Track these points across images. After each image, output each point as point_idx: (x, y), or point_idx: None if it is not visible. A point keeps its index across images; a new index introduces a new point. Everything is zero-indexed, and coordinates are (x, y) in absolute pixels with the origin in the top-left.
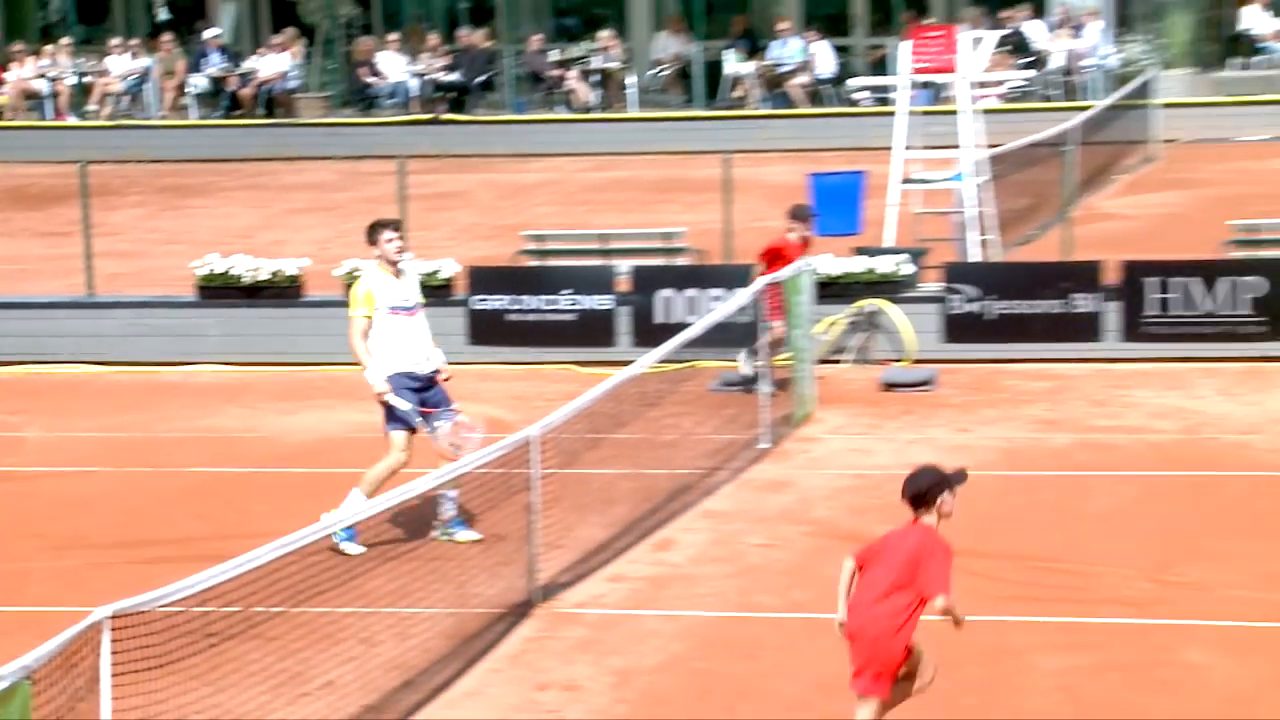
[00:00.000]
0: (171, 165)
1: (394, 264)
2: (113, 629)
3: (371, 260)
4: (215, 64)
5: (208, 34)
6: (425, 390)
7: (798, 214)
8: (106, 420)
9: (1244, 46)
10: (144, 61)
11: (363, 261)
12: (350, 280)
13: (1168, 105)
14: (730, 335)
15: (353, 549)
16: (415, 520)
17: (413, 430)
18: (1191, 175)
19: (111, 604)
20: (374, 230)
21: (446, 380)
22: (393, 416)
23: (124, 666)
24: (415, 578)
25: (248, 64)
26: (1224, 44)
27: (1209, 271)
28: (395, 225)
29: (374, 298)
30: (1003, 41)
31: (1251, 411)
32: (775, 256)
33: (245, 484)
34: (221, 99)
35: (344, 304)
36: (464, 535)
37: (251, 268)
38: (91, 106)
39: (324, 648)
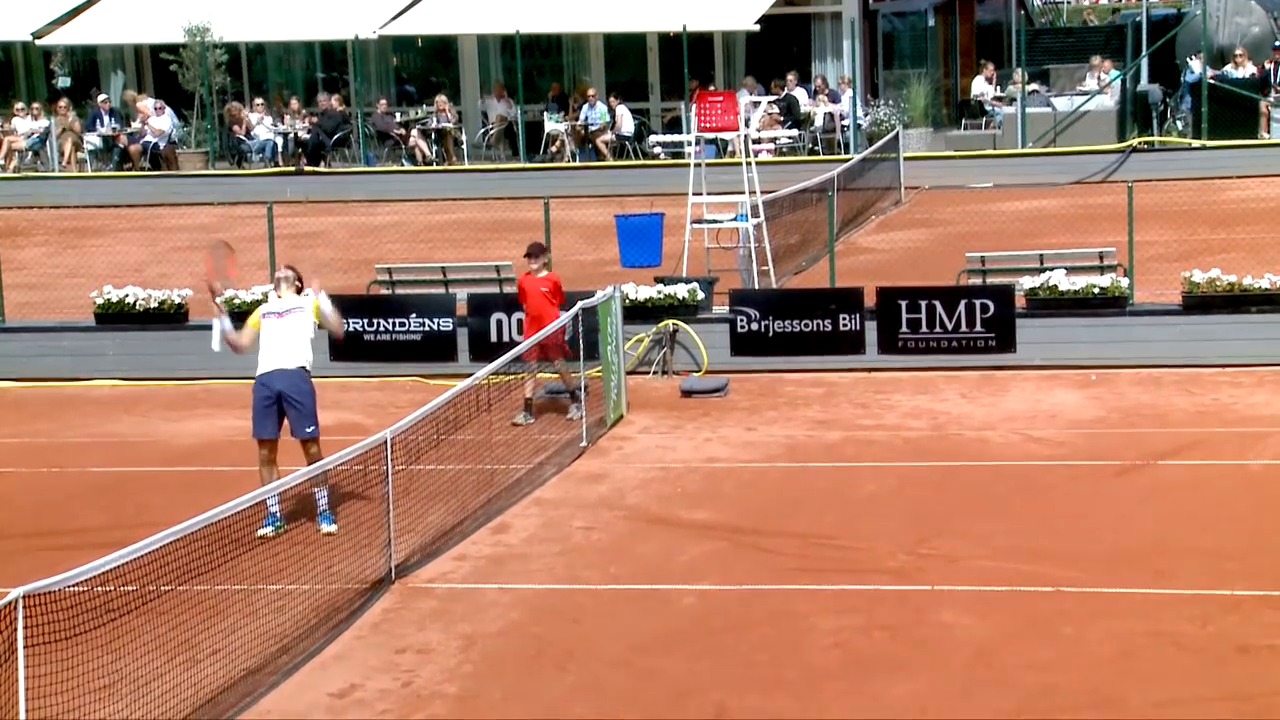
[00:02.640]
0: (71, 210)
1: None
2: (25, 607)
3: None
4: (107, 124)
5: (100, 99)
6: (284, 397)
7: (530, 252)
8: (17, 429)
9: (972, 109)
10: (44, 122)
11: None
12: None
13: (911, 158)
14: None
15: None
16: (291, 509)
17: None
18: (932, 216)
19: (24, 585)
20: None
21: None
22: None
23: (36, 639)
24: (289, 559)
25: (135, 125)
26: (956, 108)
27: (950, 296)
28: (290, 269)
29: (258, 309)
30: (774, 105)
31: (988, 411)
32: (522, 293)
33: (140, 481)
34: (114, 154)
35: None
36: (327, 528)
37: (143, 297)
38: None
39: (211, 621)
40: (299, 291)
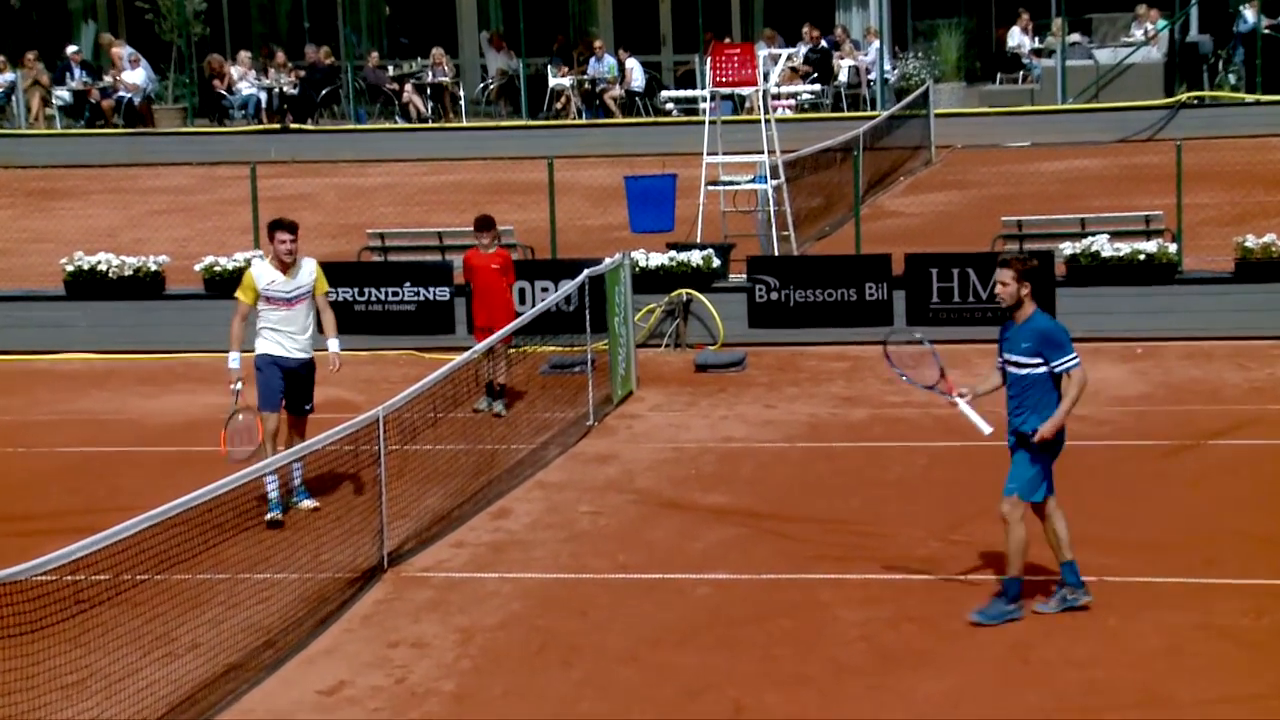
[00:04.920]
0: (39, 170)
1: (283, 261)
2: None
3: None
4: (78, 78)
5: (70, 50)
6: (295, 378)
7: (479, 225)
8: None
9: (1008, 62)
10: (9, 75)
11: (251, 254)
12: (209, 274)
13: (942, 115)
14: (557, 323)
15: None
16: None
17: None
18: (965, 177)
19: None
20: (269, 229)
21: (335, 370)
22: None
23: (0, 632)
24: (274, 546)
25: (108, 78)
26: (990, 61)
27: (984, 263)
28: (290, 228)
29: (254, 283)
30: (806, 56)
31: None
32: (469, 270)
33: (113, 462)
34: (85, 110)
35: (203, 297)
36: (306, 503)
37: (116, 264)
38: None
39: (191, 613)
40: (295, 260)
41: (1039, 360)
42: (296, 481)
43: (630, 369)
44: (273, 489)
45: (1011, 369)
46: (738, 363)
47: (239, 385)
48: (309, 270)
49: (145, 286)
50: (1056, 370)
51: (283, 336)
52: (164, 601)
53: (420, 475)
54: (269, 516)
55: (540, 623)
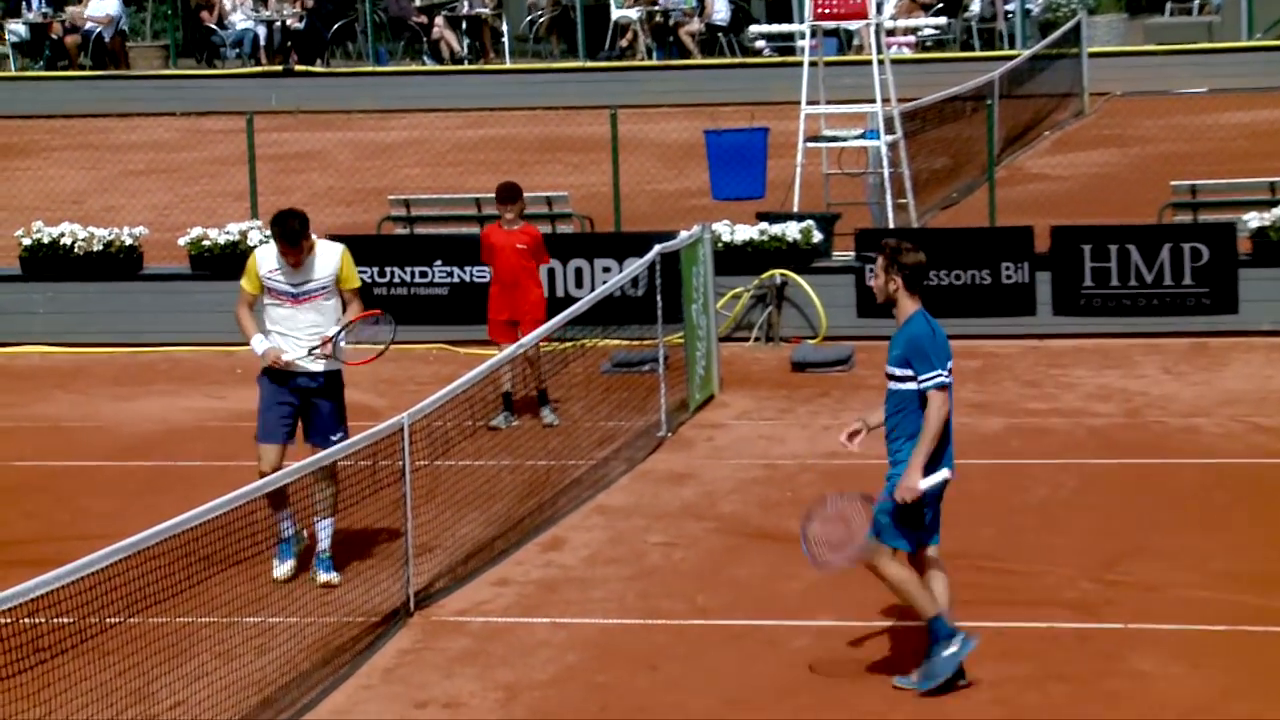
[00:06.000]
0: None
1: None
2: None
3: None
4: (35, 9)
5: None
6: (307, 399)
7: (501, 195)
8: None
9: None
10: None
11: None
12: (197, 249)
13: (1098, 55)
14: (621, 311)
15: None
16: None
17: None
18: (1126, 132)
19: None
20: (271, 227)
21: (316, 354)
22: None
23: None
24: (273, 584)
25: (72, 9)
26: None
27: (1149, 238)
28: (292, 236)
29: (255, 268)
30: None
31: (1199, 391)
32: (489, 251)
33: (79, 479)
34: (44, 48)
35: (189, 277)
36: (325, 575)
37: (83, 237)
38: None
39: (173, 664)
40: (310, 248)
41: (909, 373)
42: (324, 543)
43: (711, 368)
44: (286, 527)
45: (889, 382)
46: (843, 360)
47: (307, 352)
48: (330, 260)
49: (119, 264)
50: (921, 387)
51: (289, 342)
52: (140, 650)
53: (454, 497)
54: (278, 571)
55: (601, 679)
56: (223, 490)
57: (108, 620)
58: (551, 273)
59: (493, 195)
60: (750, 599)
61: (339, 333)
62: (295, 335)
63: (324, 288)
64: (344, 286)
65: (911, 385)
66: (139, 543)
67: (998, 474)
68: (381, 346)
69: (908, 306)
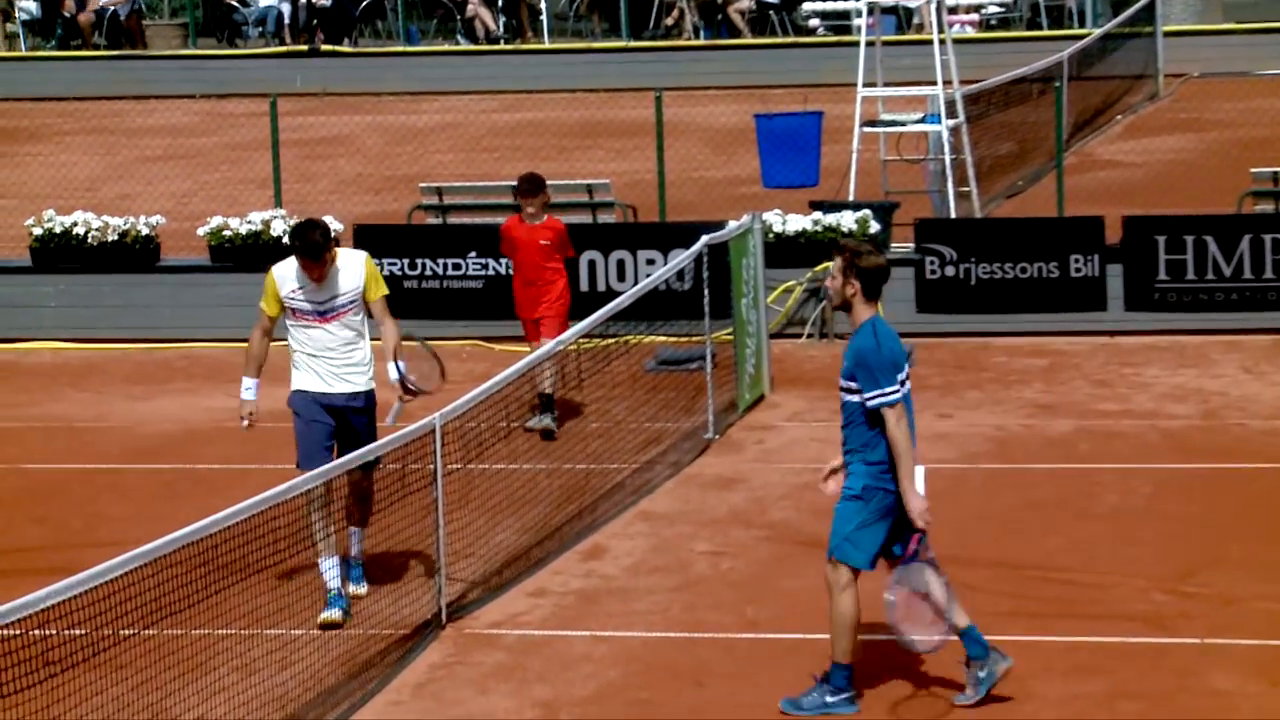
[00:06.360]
0: None
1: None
2: None
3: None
4: None
5: None
6: (343, 420)
7: (523, 187)
8: None
9: None
10: None
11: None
12: (217, 239)
13: (1174, 34)
14: (667, 306)
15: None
16: (298, 528)
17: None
18: (1203, 115)
19: None
20: (291, 239)
21: (406, 399)
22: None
23: None
24: (297, 594)
25: None
26: None
27: (1228, 228)
28: (313, 250)
29: (275, 289)
30: None
31: None
32: (510, 245)
33: (92, 483)
34: (56, 27)
35: (208, 269)
36: (353, 588)
37: (97, 227)
38: None
39: (190, 678)
40: (332, 260)
41: (856, 386)
42: (355, 551)
43: (762, 366)
44: (332, 577)
45: (840, 393)
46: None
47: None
48: (354, 272)
49: (134, 256)
50: (867, 404)
51: (319, 363)
52: (156, 663)
53: (489, 503)
54: (324, 615)
55: (644, 695)
56: (243, 495)
57: (122, 632)
58: (592, 265)
59: None
60: (801, 611)
61: (401, 373)
62: (326, 356)
63: (352, 302)
64: (370, 297)
65: (858, 399)
66: (155, 550)
67: (1066, 479)
68: (430, 388)
69: (861, 313)
